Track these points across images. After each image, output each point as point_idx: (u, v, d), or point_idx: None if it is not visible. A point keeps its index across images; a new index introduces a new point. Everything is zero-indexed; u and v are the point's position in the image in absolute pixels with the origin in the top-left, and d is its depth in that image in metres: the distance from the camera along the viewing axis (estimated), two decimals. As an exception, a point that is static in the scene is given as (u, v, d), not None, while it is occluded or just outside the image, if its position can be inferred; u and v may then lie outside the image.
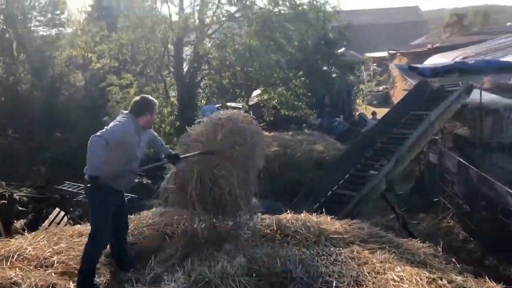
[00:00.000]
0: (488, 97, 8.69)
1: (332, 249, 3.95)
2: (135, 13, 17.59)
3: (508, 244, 8.18)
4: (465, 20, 34.68)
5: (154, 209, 5.87)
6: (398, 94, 28.06)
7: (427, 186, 11.66)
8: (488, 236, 8.59)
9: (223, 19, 17.32)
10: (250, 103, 21.81)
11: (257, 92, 21.44)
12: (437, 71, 11.19)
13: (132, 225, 5.12)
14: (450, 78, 10.91)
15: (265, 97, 18.49)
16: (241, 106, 23.16)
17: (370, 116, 20.46)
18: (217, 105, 20.79)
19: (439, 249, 4.42)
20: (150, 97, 4.74)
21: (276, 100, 17.75)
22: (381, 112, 25.82)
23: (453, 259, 4.25)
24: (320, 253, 3.84)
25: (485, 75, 11.11)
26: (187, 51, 18.99)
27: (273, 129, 18.62)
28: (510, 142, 7.81)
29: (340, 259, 3.73)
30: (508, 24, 39.80)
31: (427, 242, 4.53)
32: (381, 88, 30.95)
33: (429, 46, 23.92)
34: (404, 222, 7.38)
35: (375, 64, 35.31)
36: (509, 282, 7.86)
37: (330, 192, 7.20)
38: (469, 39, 24.92)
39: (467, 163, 9.22)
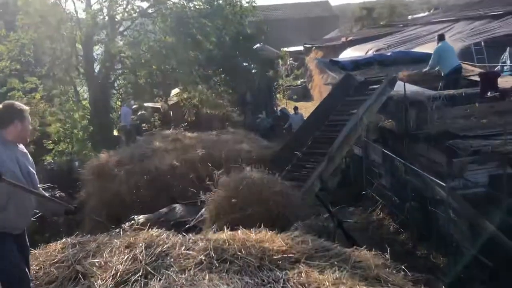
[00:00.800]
0: (412, 88, 8.76)
1: (278, 273, 3.49)
2: (37, 10, 15.97)
3: (437, 232, 8.33)
4: (373, 13, 36.14)
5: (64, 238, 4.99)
6: (316, 87, 28.57)
7: (354, 179, 11.72)
8: (418, 226, 8.68)
9: (135, 15, 16.29)
10: (170, 102, 20.97)
11: (176, 90, 20.65)
12: (358, 64, 11.26)
13: (35, 263, 4.20)
14: (370, 71, 11.02)
15: (185, 96, 17.75)
16: (159, 106, 22.29)
17: (292, 111, 20.54)
18: (134, 106, 19.77)
19: (386, 256, 4.11)
20: (15, 102, 3.89)
21: (197, 99, 17.06)
22: (302, 106, 26.16)
23: (403, 267, 3.95)
24: (266, 281, 3.36)
25: (404, 66, 11.36)
26: (98, 50, 17.67)
27: (196, 129, 18.02)
28: (435, 133, 7.86)
29: (288, 286, 3.27)
30: (410, 17, 42.39)
31: (373, 250, 4.20)
32: (299, 82, 31.34)
33: (343, 39, 24.47)
34: (339, 221, 7.17)
35: (291, 59, 35.72)
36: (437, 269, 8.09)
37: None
38: (378, 32, 25.90)
39: (393, 156, 9.27)
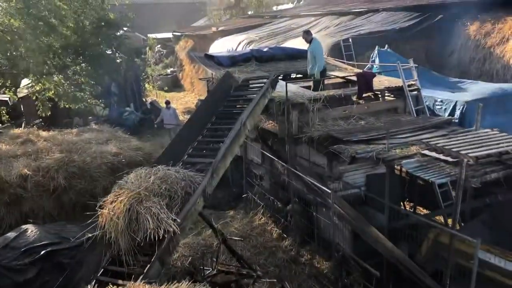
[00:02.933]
0: (293, 89, 8.44)
1: None
2: None
3: (319, 236, 8.21)
4: (242, 3, 36.20)
5: None
6: (187, 77, 27.73)
7: (233, 181, 11.22)
8: (300, 230, 8.47)
9: (-31, -8, 13.61)
10: (20, 95, 18.27)
11: (27, 81, 18.06)
12: (235, 60, 10.69)
13: None
14: (248, 67, 10.54)
15: (38, 88, 15.47)
16: (7, 99, 19.34)
17: (163, 104, 19.38)
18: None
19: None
20: None
21: (52, 92, 14.95)
22: (174, 96, 25.13)
23: None
24: None
25: (281, 62, 11.11)
26: None
27: (53, 126, 15.94)
28: (317, 137, 7.63)
29: None
30: (275, 7, 43.60)
31: None
32: (169, 71, 30.06)
33: (214, 29, 23.86)
34: (224, 238, 6.54)
35: (159, 46, 34.21)
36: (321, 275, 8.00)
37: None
38: (248, 22, 25.86)
39: (274, 158, 8.92)
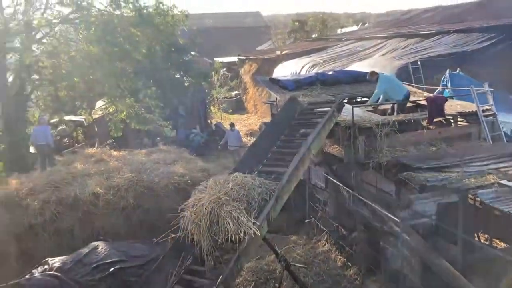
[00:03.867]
0: (359, 114, 8.29)
1: None
2: None
3: (386, 267, 7.87)
4: (306, 26, 36.47)
5: None
6: (250, 100, 28.17)
7: (295, 205, 11.09)
8: (366, 259, 8.16)
9: (55, 21, 14.73)
10: (95, 116, 19.39)
11: (101, 103, 19.14)
12: (299, 84, 10.69)
13: None
14: (313, 91, 10.50)
15: (111, 110, 16.35)
16: (83, 120, 20.59)
17: (227, 126, 19.77)
18: (53, 120, 17.99)
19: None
20: None
21: (124, 113, 15.72)
22: (237, 118, 25.56)
23: None
24: None
25: (346, 85, 10.97)
26: (11, 58, 15.82)
27: (123, 146, 16.69)
28: (385, 163, 7.40)
29: None
30: (339, 30, 43.48)
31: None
32: (233, 94, 30.70)
33: (278, 52, 24.13)
34: (287, 264, 6.45)
35: (224, 69, 35.11)
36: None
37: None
38: (312, 45, 25.95)
39: (339, 183, 8.74)
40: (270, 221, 5.88)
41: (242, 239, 5.46)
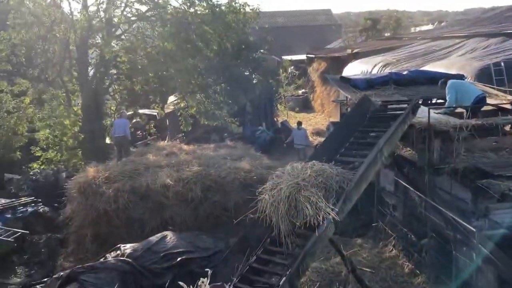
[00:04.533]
0: (435, 116, 7.92)
1: None
2: (30, 9, 15.09)
3: (456, 275, 7.48)
4: (379, 24, 35.46)
5: None
6: (317, 99, 27.88)
7: (362, 206, 10.83)
8: (436, 268, 7.81)
9: (133, 18, 15.41)
10: (166, 110, 20.11)
11: (173, 98, 19.81)
12: (372, 83, 10.40)
13: None
14: (385, 91, 10.18)
15: (182, 105, 16.84)
16: (156, 113, 21.43)
17: (293, 124, 19.69)
18: (129, 112, 18.89)
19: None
20: None
21: (194, 109, 16.15)
22: (304, 117, 25.38)
23: None
24: None
25: (421, 86, 10.54)
26: (93, 53, 16.77)
27: (193, 140, 17.17)
28: (462, 168, 7.02)
29: None
30: (413, 29, 41.81)
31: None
32: (300, 92, 30.54)
33: (349, 51, 23.66)
34: (353, 268, 6.31)
35: (292, 67, 35.01)
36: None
37: (267, 243, 5.84)
38: (383, 44, 25.16)
39: (410, 187, 8.42)
40: (337, 223, 5.74)
41: (320, 224, 5.55)
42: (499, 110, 8.87)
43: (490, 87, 11.09)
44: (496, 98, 9.77)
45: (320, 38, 45.86)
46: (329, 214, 5.57)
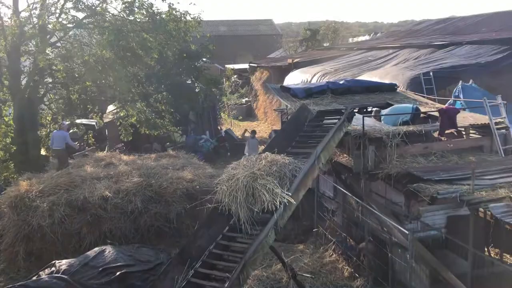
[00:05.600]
0: (370, 123, 8.24)
1: None
2: (-50, 13, 14.18)
3: (393, 277, 7.77)
4: (318, 35, 36.47)
5: None
6: (261, 107, 28.18)
7: (303, 214, 11.04)
8: (373, 271, 8.07)
9: (70, 25, 14.88)
10: (106, 120, 19.52)
11: (112, 107, 19.28)
12: (310, 92, 10.68)
13: None
14: (323, 100, 10.48)
15: (122, 114, 16.44)
16: (94, 123, 20.73)
17: (236, 132, 19.78)
18: (67, 122, 18.14)
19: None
20: None
21: (135, 118, 15.81)
22: (248, 125, 25.52)
23: None
24: None
25: (357, 95, 10.94)
26: (26, 61, 15.99)
27: (133, 150, 16.78)
28: (395, 174, 7.34)
29: None
30: (351, 39, 43.38)
31: None
32: (244, 100, 30.74)
33: (290, 60, 24.15)
34: (294, 274, 6.40)
35: (235, 76, 35.21)
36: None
37: (207, 255, 5.82)
38: (323, 54, 25.94)
39: (348, 193, 8.68)
40: (278, 229, 5.81)
41: (277, 208, 5.94)
42: (428, 117, 9.38)
43: (420, 95, 11.69)
44: (426, 106, 10.33)
45: (262, 47, 46.52)
46: (284, 198, 5.99)
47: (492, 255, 8.83)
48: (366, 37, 41.51)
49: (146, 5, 14.80)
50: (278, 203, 5.95)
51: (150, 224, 10.18)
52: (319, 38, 36.99)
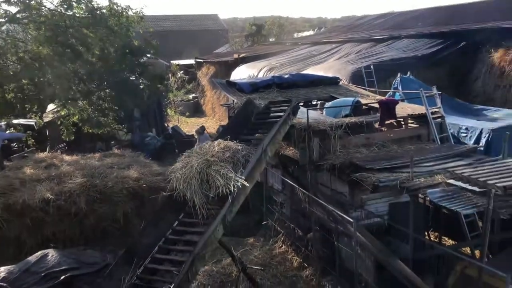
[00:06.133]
0: (314, 116, 8.40)
1: None
2: None
3: (341, 266, 7.99)
4: (263, 30, 36.70)
5: None
6: (208, 103, 28.01)
7: (253, 207, 11.12)
8: (321, 260, 8.27)
9: (1, 20, 14.10)
10: (46, 119, 18.69)
11: (53, 105, 18.49)
12: (256, 87, 10.75)
13: None
14: (269, 94, 10.57)
15: (63, 113, 15.80)
16: (33, 123, 19.79)
17: (184, 129, 19.54)
18: (2, 122, 17.22)
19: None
20: None
21: (76, 117, 15.26)
22: (196, 122, 25.37)
23: None
24: None
25: (302, 88, 11.12)
26: (-47, 58, 15.01)
27: (76, 150, 16.20)
28: (339, 164, 7.54)
29: None
30: (296, 35, 44.04)
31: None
32: (191, 96, 30.44)
33: (236, 55, 24.16)
34: (243, 267, 6.43)
35: (182, 72, 34.78)
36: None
37: (156, 251, 5.75)
38: (268, 49, 26.15)
39: (295, 185, 8.82)
40: (226, 224, 5.82)
41: (232, 191, 6.10)
42: (369, 109, 9.69)
43: (362, 88, 12.05)
44: (367, 98, 10.67)
45: (208, 42, 46.24)
46: (238, 181, 6.15)
47: (432, 238, 9.29)
48: (311, 32, 42.29)
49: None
50: (232, 187, 6.07)
51: (96, 225, 9.89)
52: (264, 33, 37.27)
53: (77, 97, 15.11)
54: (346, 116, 8.96)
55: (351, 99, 9.64)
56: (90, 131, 15.66)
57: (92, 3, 14.42)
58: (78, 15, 14.40)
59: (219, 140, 7.16)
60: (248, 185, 6.26)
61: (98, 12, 14.58)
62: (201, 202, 6.20)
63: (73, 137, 15.82)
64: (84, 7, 14.30)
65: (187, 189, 6.35)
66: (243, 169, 6.49)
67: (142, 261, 5.68)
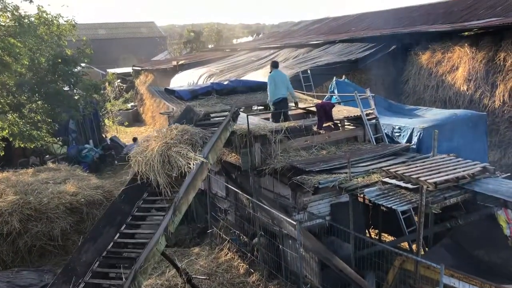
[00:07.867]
0: (254, 121, 8.45)
1: None
2: None
3: (285, 268, 8.08)
4: (202, 36, 36.57)
5: None
6: (148, 112, 27.46)
7: (197, 216, 11.02)
8: (267, 264, 8.31)
9: None
10: (-29, 135, 17.53)
11: (-21, 120, 17.37)
12: (195, 94, 10.67)
13: None
14: (209, 101, 10.53)
15: (-9, 128, 14.89)
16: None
17: (123, 140, 19.02)
18: None
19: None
20: None
21: (6, 131, 14.41)
22: (135, 131, 24.79)
23: None
24: None
25: (242, 95, 11.17)
26: None
27: (6, 165, 15.35)
28: (280, 168, 7.62)
29: None
30: (235, 41, 44.28)
31: None
32: (129, 105, 29.71)
33: (174, 63, 23.88)
34: (189, 278, 6.33)
35: (119, 80, 33.89)
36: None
37: (96, 267, 5.51)
38: (208, 55, 26.07)
39: (238, 191, 8.83)
40: (168, 235, 5.70)
41: (192, 169, 6.40)
42: (308, 112, 9.90)
43: (300, 92, 12.28)
44: (305, 102, 10.90)
45: (146, 50, 45.40)
46: (198, 160, 6.51)
47: (373, 236, 9.62)
48: (250, 38, 42.65)
49: (10, 7, 13.60)
50: (193, 165, 6.40)
51: (32, 245, 9.42)
52: (203, 40, 37.15)
53: (6, 110, 14.31)
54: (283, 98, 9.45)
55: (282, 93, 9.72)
56: (22, 145, 14.84)
57: (19, 11, 13.74)
58: (3, 23, 13.66)
59: (176, 124, 7.48)
60: (210, 162, 6.77)
61: (26, 20, 13.92)
62: (165, 182, 6.41)
63: (3, 153, 14.94)
64: (10, 16, 13.59)
65: (150, 171, 6.57)
66: (201, 149, 6.87)
67: (81, 278, 5.43)
